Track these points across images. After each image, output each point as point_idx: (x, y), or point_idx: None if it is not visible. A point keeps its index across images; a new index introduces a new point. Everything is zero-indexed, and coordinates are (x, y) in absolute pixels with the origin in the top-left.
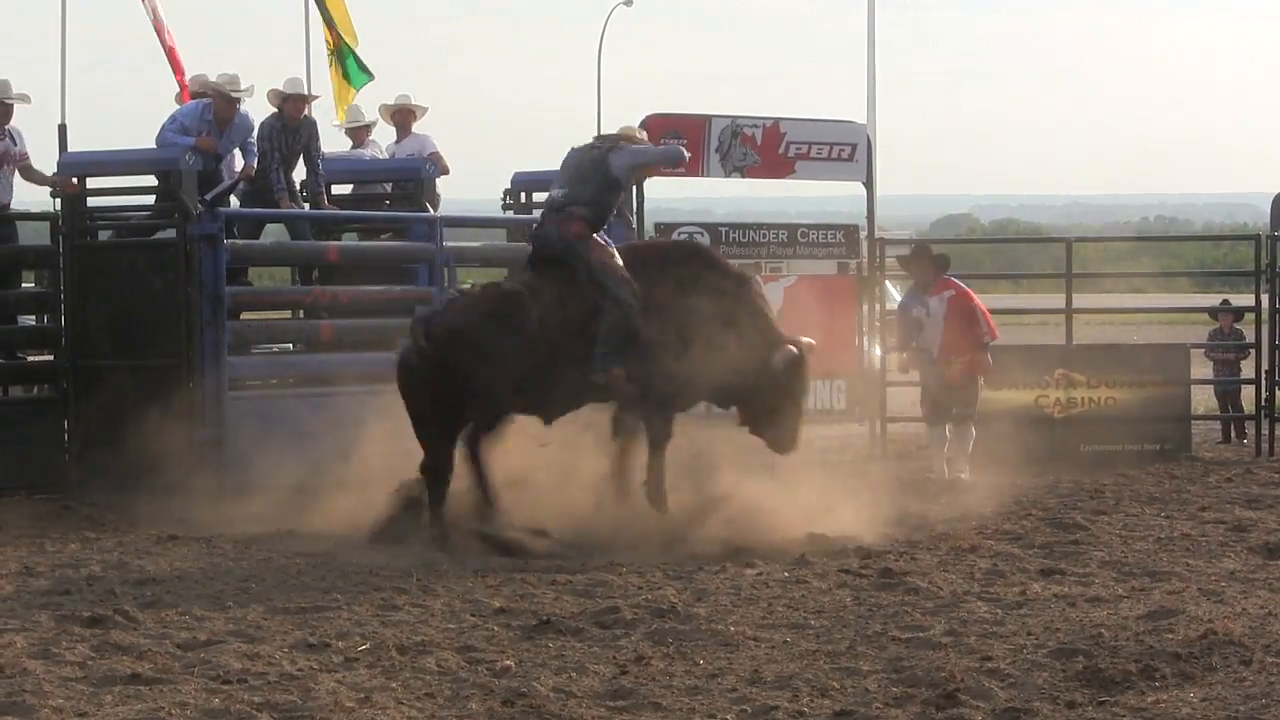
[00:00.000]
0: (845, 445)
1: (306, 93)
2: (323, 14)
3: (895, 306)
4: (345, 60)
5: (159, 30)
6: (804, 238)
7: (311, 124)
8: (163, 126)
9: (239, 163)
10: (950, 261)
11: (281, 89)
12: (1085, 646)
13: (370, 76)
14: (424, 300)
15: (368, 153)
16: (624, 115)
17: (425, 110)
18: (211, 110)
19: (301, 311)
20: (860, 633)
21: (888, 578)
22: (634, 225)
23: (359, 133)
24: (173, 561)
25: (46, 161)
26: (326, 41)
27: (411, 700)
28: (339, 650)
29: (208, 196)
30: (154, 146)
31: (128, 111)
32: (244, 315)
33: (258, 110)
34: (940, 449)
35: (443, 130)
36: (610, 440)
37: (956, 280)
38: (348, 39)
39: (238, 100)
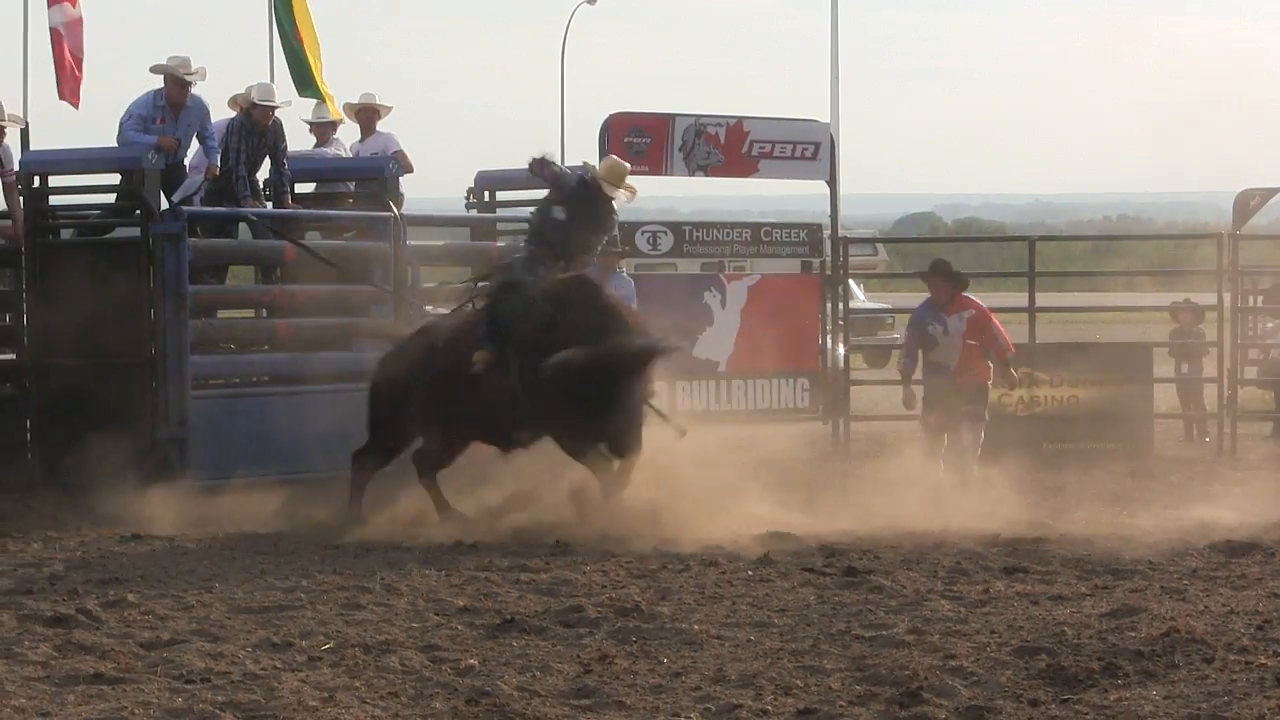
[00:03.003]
0: (808, 444)
1: (275, 101)
2: (278, 16)
3: (858, 305)
4: (304, 69)
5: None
6: (767, 237)
7: (278, 125)
8: (121, 122)
9: (196, 148)
10: (969, 281)
11: (252, 97)
12: (1048, 644)
13: (321, 99)
14: (381, 300)
15: (331, 151)
16: (588, 114)
17: (389, 109)
18: (163, 95)
19: (264, 310)
20: (824, 631)
21: (851, 576)
22: None
23: (324, 129)
24: (136, 561)
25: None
26: (292, 38)
27: (375, 699)
28: (302, 649)
29: (175, 199)
30: (116, 145)
31: (88, 108)
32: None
33: (216, 105)
34: (938, 457)
35: (406, 129)
36: None
37: (974, 299)
38: (308, 49)
39: (189, 83)
